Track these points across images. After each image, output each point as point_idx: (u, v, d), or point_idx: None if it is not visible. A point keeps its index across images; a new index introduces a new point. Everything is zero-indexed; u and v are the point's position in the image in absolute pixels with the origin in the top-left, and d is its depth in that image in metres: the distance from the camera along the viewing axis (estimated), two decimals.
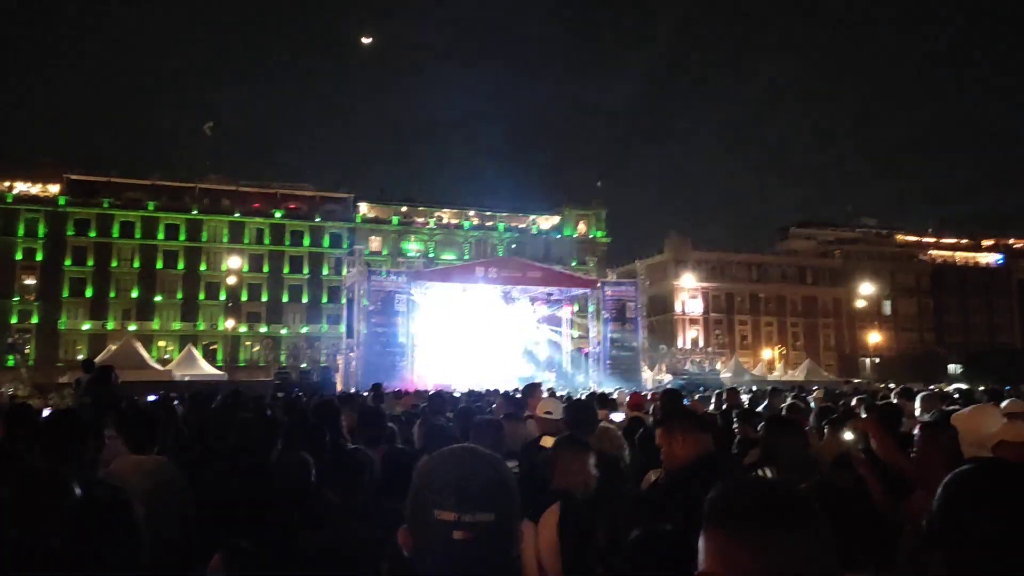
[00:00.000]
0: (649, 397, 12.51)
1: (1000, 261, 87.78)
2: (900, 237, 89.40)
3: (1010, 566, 1.64)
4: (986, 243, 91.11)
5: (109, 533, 1.89)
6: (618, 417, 7.86)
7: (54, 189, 68.79)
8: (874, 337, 69.42)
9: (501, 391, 13.74)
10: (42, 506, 1.90)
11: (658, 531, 1.99)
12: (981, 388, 15.97)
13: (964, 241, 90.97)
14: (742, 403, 10.37)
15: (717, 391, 12.44)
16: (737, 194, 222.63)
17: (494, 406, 8.98)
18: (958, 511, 1.72)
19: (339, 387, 30.06)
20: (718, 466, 3.00)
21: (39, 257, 66.50)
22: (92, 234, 67.58)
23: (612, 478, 3.92)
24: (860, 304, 72.09)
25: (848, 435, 4.89)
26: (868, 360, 70.72)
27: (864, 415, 6.01)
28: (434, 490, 1.45)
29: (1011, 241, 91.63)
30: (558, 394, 13.13)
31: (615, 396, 12.80)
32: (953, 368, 63.47)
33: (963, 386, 23.93)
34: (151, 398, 12.11)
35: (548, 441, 4.76)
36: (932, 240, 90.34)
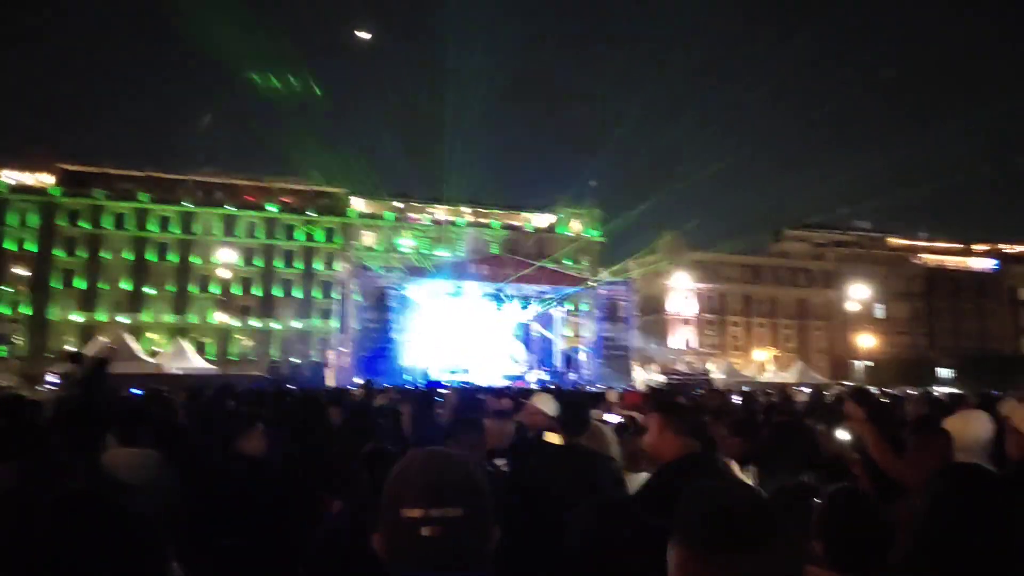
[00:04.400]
0: (643, 397, 12.42)
1: (993, 267, 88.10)
2: (893, 241, 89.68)
3: (993, 569, 1.65)
4: (979, 248, 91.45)
5: (104, 526, 1.86)
6: (613, 419, 7.81)
7: (46, 179, 68.51)
8: (866, 340, 69.57)
9: (492, 388, 13.71)
10: (30, 501, 1.87)
11: (650, 527, 1.97)
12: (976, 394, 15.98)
13: (957, 246, 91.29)
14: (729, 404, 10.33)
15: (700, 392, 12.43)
16: (731, 195, 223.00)
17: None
18: (942, 517, 1.72)
19: (331, 382, 30.04)
20: (702, 468, 2.99)
21: (30, 247, 66.22)
22: (84, 225, 67.37)
23: (606, 478, 3.90)
24: (852, 307, 72.27)
25: (843, 435, 4.87)
26: (859, 363, 70.94)
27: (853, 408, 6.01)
28: (403, 489, 1.47)
29: (1004, 247, 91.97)
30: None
31: (607, 395, 12.73)
32: (944, 373, 63.71)
33: (953, 390, 23.98)
34: (136, 392, 12.03)
35: (553, 438, 4.71)
36: (925, 244, 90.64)
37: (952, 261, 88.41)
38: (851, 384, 31.40)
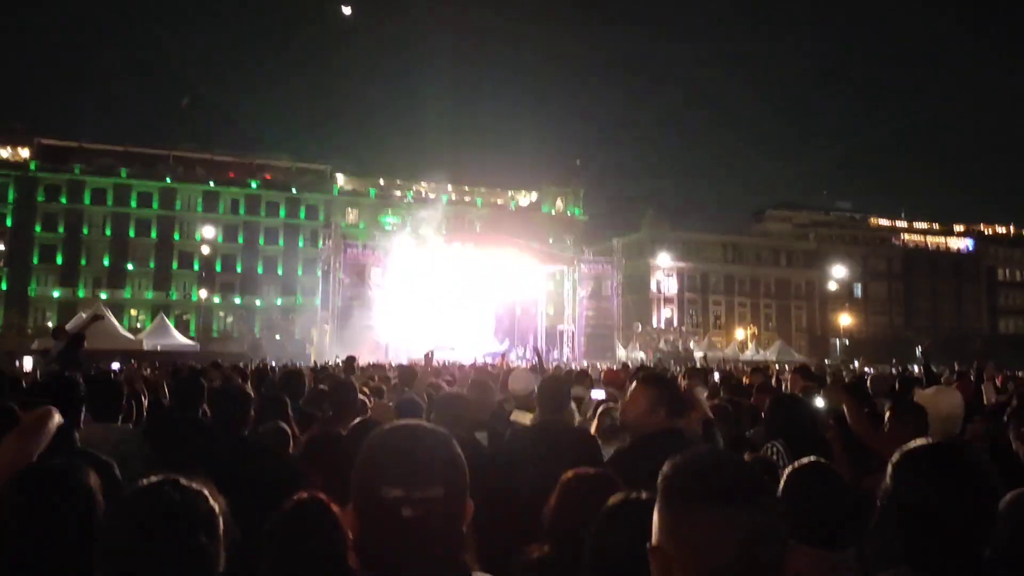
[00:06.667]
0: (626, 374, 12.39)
1: (970, 247, 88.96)
2: (873, 221, 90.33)
3: (955, 539, 1.69)
4: (957, 229, 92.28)
5: (68, 501, 1.87)
6: (599, 394, 7.84)
7: (25, 154, 67.47)
8: (845, 319, 70.20)
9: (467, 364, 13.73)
10: None
11: (634, 500, 1.98)
12: (948, 372, 16.21)
13: (935, 226, 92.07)
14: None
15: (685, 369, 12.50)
16: (715, 175, 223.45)
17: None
18: (907, 487, 1.77)
19: (313, 359, 29.99)
20: (683, 443, 3.01)
21: (8, 223, 65.28)
22: (63, 200, 66.43)
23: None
24: (832, 287, 72.84)
25: (820, 402, 4.94)
26: (838, 341, 71.61)
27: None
28: (381, 467, 1.40)
29: (981, 227, 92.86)
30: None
31: (589, 372, 12.73)
32: (920, 351, 64.36)
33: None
34: (115, 366, 11.98)
35: (519, 416, 4.73)
36: (904, 225, 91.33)
37: (931, 241, 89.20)
38: (828, 362, 31.74)
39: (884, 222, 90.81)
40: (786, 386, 8.34)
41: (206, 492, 1.48)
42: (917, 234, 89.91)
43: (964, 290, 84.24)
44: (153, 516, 1.37)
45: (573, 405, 5.81)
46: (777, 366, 24.94)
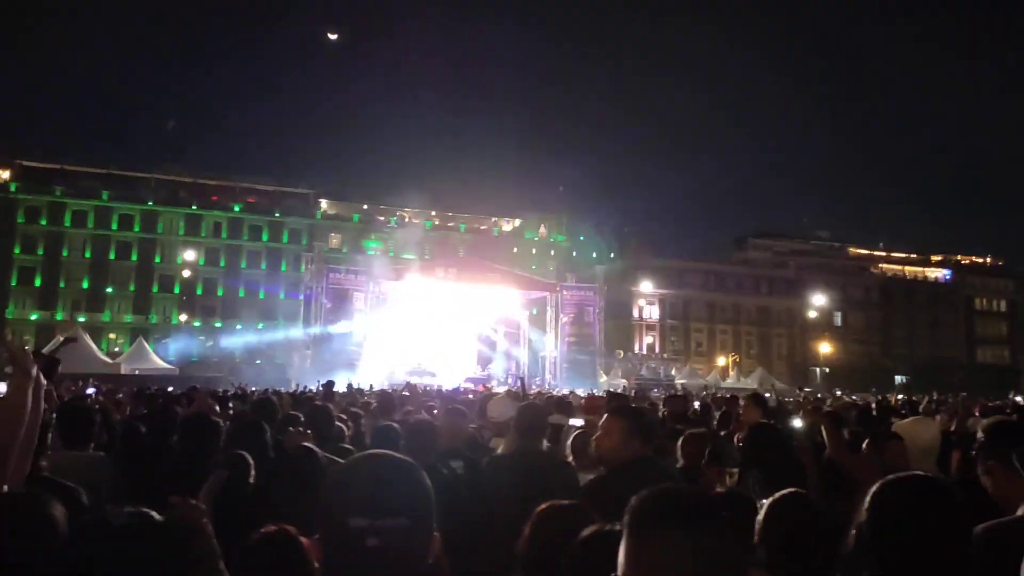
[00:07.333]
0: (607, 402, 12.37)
1: (948, 277, 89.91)
2: (852, 250, 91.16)
3: (929, 569, 1.72)
4: (935, 259, 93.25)
5: (31, 531, 1.83)
6: (578, 422, 7.82)
7: (6, 175, 67.02)
8: (824, 348, 70.71)
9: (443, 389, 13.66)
10: None
11: (607, 531, 1.97)
12: (927, 399, 16.38)
13: (913, 256, 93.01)
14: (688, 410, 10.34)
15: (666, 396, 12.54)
16: (697, 203, 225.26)
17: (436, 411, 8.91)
18: (885, 519, 1.79)
19: (293, 385, 29.76)
20: (659, 470, 3.01)
21: None
22: (43, 222, 65.96)
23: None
24: (812, 315, 73.40)
25: (798, 423, 4.97)
26: (818, 370, 72.02)
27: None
28: (346, 497, 1.40)
29: (959, 258, 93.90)
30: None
31: (571, 398, 12.72)
32: (899, 380, 65.02)
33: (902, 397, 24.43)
34: (90, 391, 11.84)
35: (500, 444, 4.71)
36: (883, 254, 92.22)
37: (909, 271, 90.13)
38: (808, 390, 31.92)
39: (862, 251, 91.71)
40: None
41: (164, 523, 1.46)
42: (895, 264, 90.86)
43: (942, 319, 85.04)
44: (105, 548, 1.34)
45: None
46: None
